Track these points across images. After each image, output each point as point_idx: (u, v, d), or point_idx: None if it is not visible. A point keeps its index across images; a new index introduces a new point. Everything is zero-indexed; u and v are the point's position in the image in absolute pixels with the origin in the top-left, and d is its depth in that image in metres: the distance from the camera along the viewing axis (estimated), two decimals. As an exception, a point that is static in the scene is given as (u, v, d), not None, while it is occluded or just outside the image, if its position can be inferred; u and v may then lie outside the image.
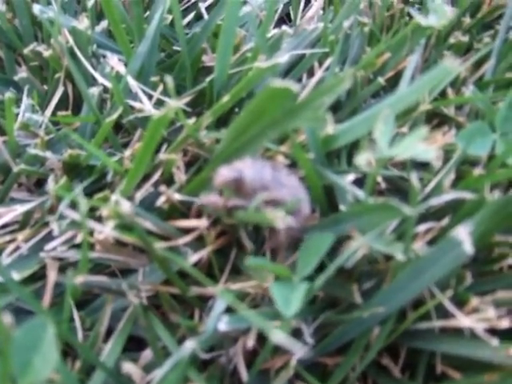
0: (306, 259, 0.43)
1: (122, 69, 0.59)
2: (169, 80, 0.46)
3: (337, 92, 0.41)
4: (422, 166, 0.52)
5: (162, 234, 0.47)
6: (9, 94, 0.53)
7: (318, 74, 0.59)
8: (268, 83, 0.40)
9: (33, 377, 0.34)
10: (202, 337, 0.40)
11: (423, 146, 0.40)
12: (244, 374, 0.43)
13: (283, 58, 0.50)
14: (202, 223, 0.46)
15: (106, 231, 0.44)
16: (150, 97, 0.57)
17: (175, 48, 0.68)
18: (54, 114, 0.60)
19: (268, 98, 0.42)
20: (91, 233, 0.46)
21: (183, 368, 0.39)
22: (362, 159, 0.40)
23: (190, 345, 0.39)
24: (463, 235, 0.37)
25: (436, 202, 0.45)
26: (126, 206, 0.42)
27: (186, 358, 0.39)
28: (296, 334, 0.42)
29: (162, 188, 0.47)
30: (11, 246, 0.50)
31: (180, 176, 0.50)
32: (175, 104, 0.42)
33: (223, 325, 0.40)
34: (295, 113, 0.43)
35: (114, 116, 0.52)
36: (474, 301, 0.42)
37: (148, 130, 0.44)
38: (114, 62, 0.59)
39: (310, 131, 0.49)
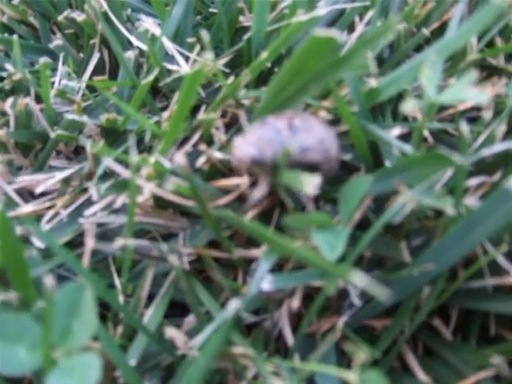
0: (345, 204, 0.41)
1: (157, 31, 0.58)
2: (204, 35, 0.45)
3: (385, 38, 0.40)
4: (471, 120, 0.49)
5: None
6: (44, 60, 0.52)
7: (359, 28, 0.57)
8: (311, 33, 0.39)
9: (72, 342, 0.34)
10: (246, 297, 0.39)
11: (474, 90, 0.38)
12: (289, 337, 0.42)
13: (322, 10, 0.48)
14: (244, 181, 0.45)
15: (147, 192, 0.43)
16: (186, 59, 0.56)
17: (211, 10, 0.67)
18: (90, 80, 0.60)
19: (311, 48, 0.40)
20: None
21: (227, 330, 0.39)
22: (409, 106, 0.38)
23: (234, 305, 0.38)
24: (517, 187, 0.35)
25: (488, 152, 0.43)
26: (179, 157, 0.40)
27: (229, 320, 0.39)
28: (342, 295, 0.41)
29: (203, 147, 0.46)
30: (50, 213, 0.50)
31: (220, 136, 0.49)
32: (210, 56, 0.41)
33: (267, 284, 0.38)
34: (340, 63, 0.41)
35: (151, 77, 0.51)
36: (530, 256, 0.40)
37: (184, 85, 0.43)
38: (149, 23, 0.58)
39: (353, 84, 0.47)
